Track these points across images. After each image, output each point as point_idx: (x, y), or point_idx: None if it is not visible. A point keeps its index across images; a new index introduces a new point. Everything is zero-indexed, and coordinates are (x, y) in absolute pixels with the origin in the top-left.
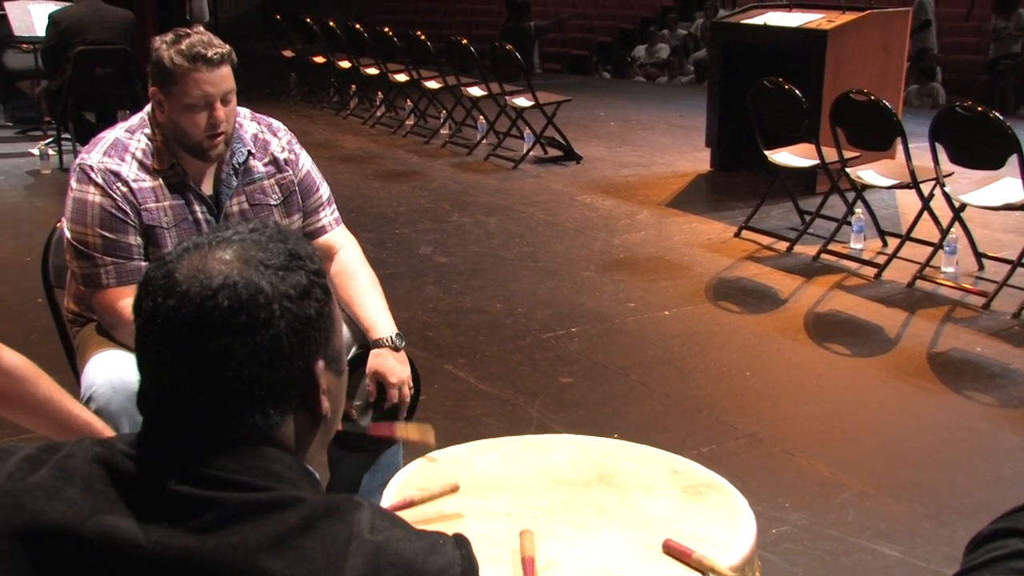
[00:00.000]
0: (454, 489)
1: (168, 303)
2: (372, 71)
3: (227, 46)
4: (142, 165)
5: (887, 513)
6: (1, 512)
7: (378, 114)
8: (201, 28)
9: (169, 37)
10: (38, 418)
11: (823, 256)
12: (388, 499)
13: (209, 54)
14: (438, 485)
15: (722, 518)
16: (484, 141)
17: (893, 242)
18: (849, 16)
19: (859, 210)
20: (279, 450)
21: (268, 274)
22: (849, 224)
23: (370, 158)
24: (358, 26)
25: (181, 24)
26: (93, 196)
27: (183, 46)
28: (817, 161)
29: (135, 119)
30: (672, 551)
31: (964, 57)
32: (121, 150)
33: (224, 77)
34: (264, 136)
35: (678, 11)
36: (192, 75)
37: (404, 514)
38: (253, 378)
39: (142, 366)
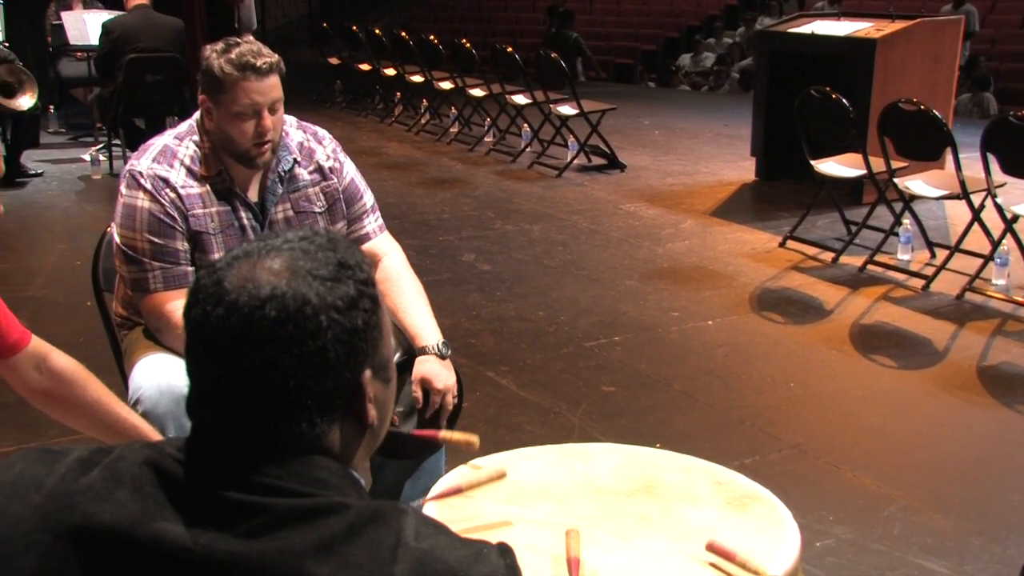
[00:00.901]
0: (501, 475)
1: (217, 312)
2: (417, 79)
3: (276, 56)
4: (190, 171)
5: (935, 528)
6: (54, 512)
7: (423, 121)
8: (251, 37)
9: (219, 46)
10: (86, 420)
11: (869, 267)
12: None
13: (258, 63)
14: (485, 474)
15: (766, 530)
16: (528, 149)
17: (942, 253)
18: (899, 25)
19: (907, 221)
20: (326, 457)
21: (316, 285)
22: (896, 235)
23: (414, 165)
24: (404, 34)
25: (230, 31)
26: (142, 202)
27: (233, 55)
28: (864, 171)
29: (184, 126)
30: (716, 551)
31: (1018, 66)
32: (170, 156)
33: (272, 86)
34: (309, 144)
35: (724, 20)
36: (241, 84)
37: (451, 502)
38: (300, 388)
39: (191, 372)
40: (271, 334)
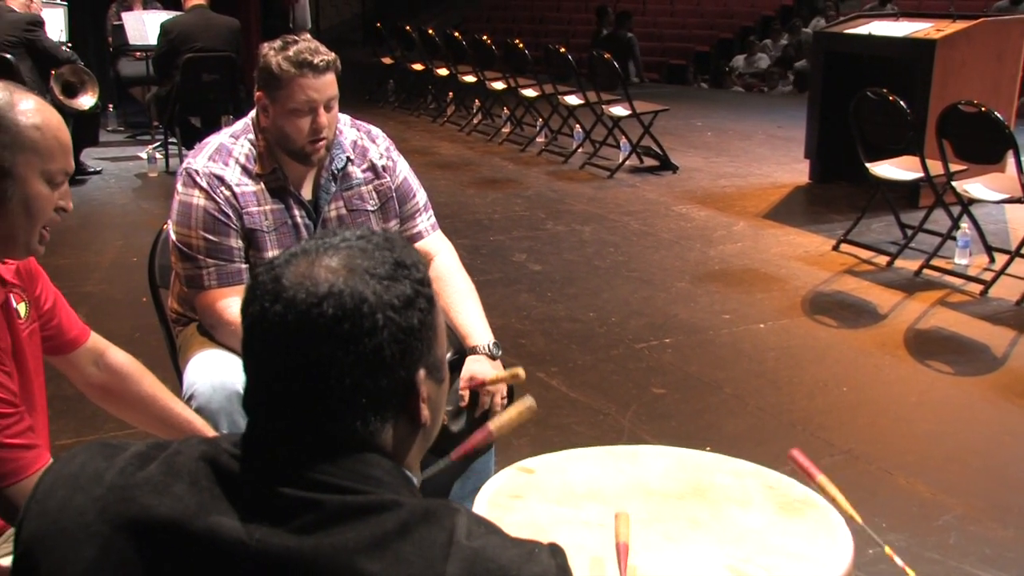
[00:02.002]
0: (515, 376)
1: (275, 308)
2: (470, 79)
3: (332, 54)
4: (245, 170)
5: (993, 538)
6: (113, 505)
7: (475, 121)
8: (308, 36)
9: (277, 43)
10: (141, 415)
11: (926, 271)
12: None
13: (315, 61)
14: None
15: (818, 535)
16: (580, 150)
17: (1001, 258)
18: (960, 25)
19: (965, 225)
20: (379, 455)
21: (373, 283)
22: (954, 239)
23: (466, 165)
24: (456, 34)
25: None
26: (197, 199)
27: (291, 52)
28: (921, 174)
29: (239, 124)
30: (797, 463)
31: None
32: (225, 155)
33: (328, 84)
34: (363, 143)
35: (779, 20)
36: (298, 81)
37: (501, 503)
38: (355, 386)
39: (248, 368)
40: (328, 332)
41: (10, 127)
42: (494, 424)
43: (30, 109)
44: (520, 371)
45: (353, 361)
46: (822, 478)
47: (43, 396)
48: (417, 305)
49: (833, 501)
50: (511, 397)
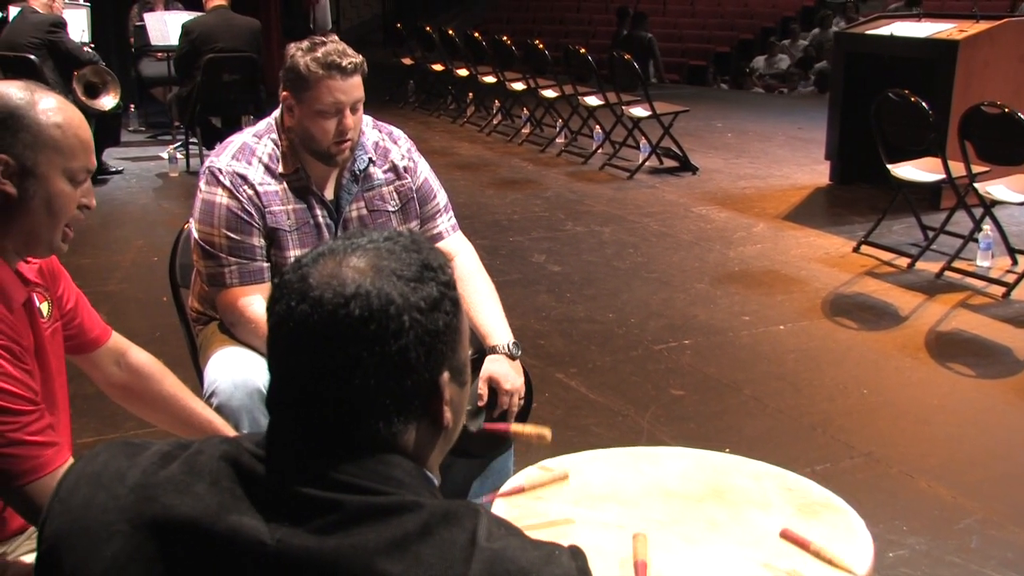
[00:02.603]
0: (564, 477)
1: (301, 308)
2: (490, 79)
3: (360, 56)
4: (268, 169)
5: (1015, 542)
6: (135, 504)
7: (495, 122)
8: (335, 38)
9: (305, 44)
10: (162, 414)
11: (947, 273)
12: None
13: (343, 63)
14: (548, 476)
15: (838, 538)
16: (600, 151)
17: None
18: (983, 25)
19: (987, 226)
20: (400, 457)
21: (400, 285)
22: (976, 241)
23: (485, 166)
24: (477, 35)
25: (305, 32)
26: (220, 198)
27: (319, 54)
28: (943, 175)
29: (262, 124)
30: (790, 539)
31: None
32: (248, 154)
33: (355, 86)
34: (385, 144)
35: (800, 21)
36: (326, 82)
37: (514, 501)
38: (379, 387)
39: (272, 367)
40: (354, 332)
41: (31, 126)
42: (515, 427)
43: (51, 108)
44: (547, 432)
45: (378, 362)
46: (815, 546)
47: (65, 395)
48: (443, 308)
49: (831, 562)
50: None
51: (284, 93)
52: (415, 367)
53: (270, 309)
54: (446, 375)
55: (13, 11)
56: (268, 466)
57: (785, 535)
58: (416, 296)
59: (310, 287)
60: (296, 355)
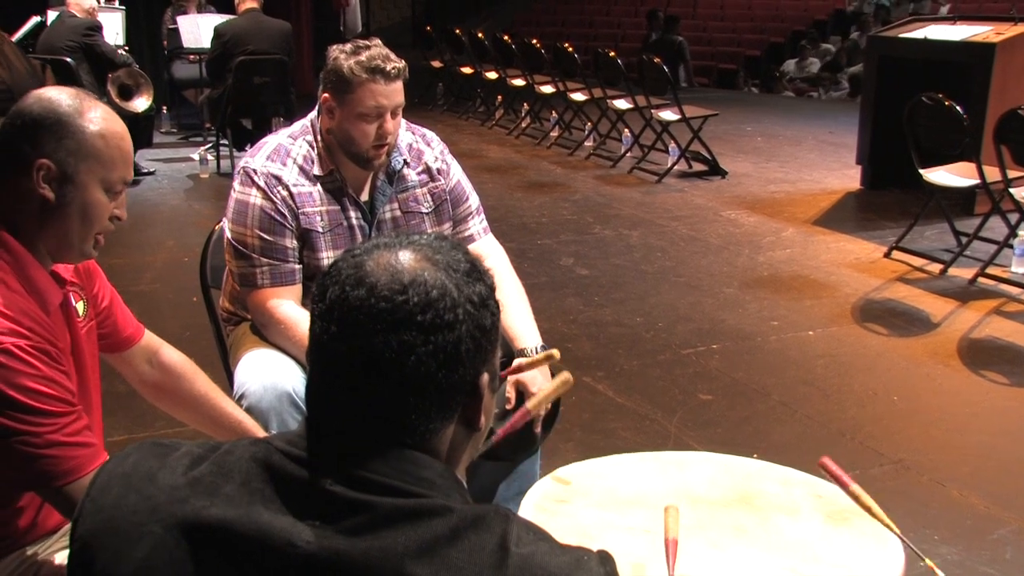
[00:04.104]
0: (549, 357)
1: (357, 292)
2: (519, 82)
3: (403, 62)
4: (302, 170)
5: None
6: (165, 505)
7: (523, 125)
8: (379, 42)
9: (348, 47)
10: (193, 413)
11: (980, 280)
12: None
13: (387, 68)
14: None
15: (868, 546)
16: (628, 154)
17: None
18: (1021, 28)
19: (1022, 232)
20: (432, 458)
21: (456, 278)
22: (1011, 247)
23: (514, 168)
24: (506, 38)
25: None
26: (254, 198)
27: (363, 57)
28: (977, 180)
29: (297, 126)
30: (828, 470)
31: None
32: (283, 155)
33: (397, 91)
34: (418, 146)
35: (831, 25)
36: (369, 86)
37: (546, 507)
38: (428, 377)
39: (316, 356)
40: (411, 319)
41: (76, 134)
42: (531, 403)
43: (97, 117)
44: (555, 352)
45: (431, 351)
46: (855, 487)
47: (98, 394)
48: (490, 307)
49: (868, 510)
50: (557, 402)
51: (324, 95)
52: (463, 361)
53: (319, 296)
54: (485, 377)
55: (52, 15)
56: (299, 464)
57: (824, 466)
58: (469, 290)
59: (367, 273)
60: (348, 340)
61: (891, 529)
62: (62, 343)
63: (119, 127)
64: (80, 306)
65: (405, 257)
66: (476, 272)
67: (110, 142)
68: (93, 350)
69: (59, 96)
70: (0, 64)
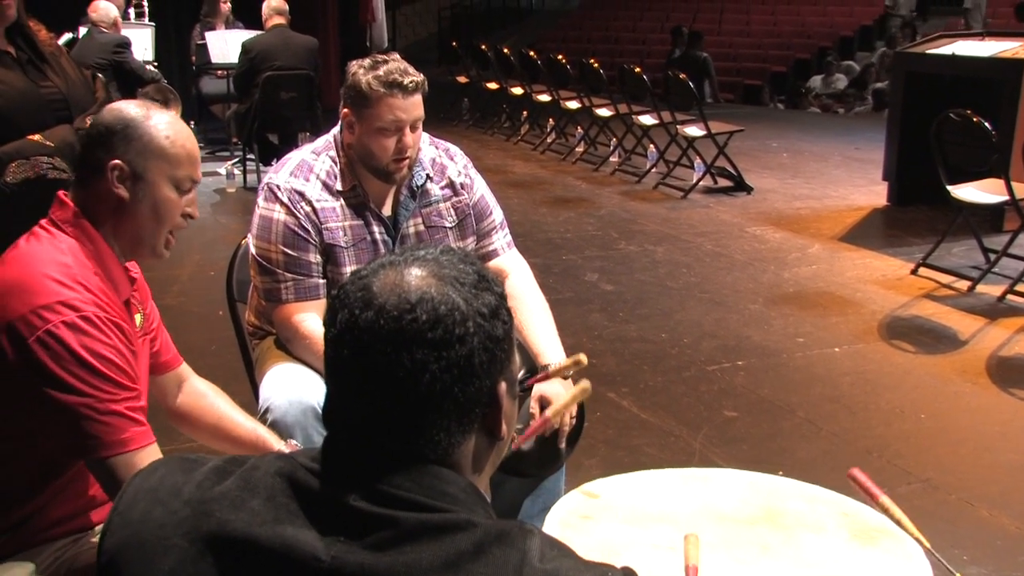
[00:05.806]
0: (577, 363)
1: (366, 315)
2: (544, 98)
3: (421, 75)
4: (325, 186)
5: None
6: (191, 519)
7: (548, 140)
8: (397, 56)
9: (367, 62)
10: (213, 435)
11: (1009, 297)
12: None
13: (405, 82)
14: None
15: (895, 566)
16: (654, 170)
17: None
18: None
19: None
20: (455, 472)
21: (464, 291)
22: None
23: (539, 184)
24: (532, 53)
25: (362, 50)
26: (278, 214)
27: (381, 72)
28: (1006, 197)
29: (320, 141)
30: (857, 482)
31: None
32: (306, 171)
33: (416, 105)
34: (442, 160)
35: (858, 41)
36: (387, 100)
37: (571, 523)
38: (444, 392)
39: (332, 379)
40: (421, 337)
41: (143, 135)
42: (550, 410)
43: (162, 122)
44: (582, 357)
45: (445, 367)
46: (885, 499)
47: (146, 399)
48: (501, 316)
49: (899, 523)
50: (582, 418)
51: (345, 110)
52: (478, 374)
53: (329, 321)
54: (503, 385)
55: (83, 31)
56: (323, 480)
57: (853, 477)
58: (478, 302)
59: (374, 295)
60: (361, 362)
61: (920, 543)
62: (129, 328)
63: (184, 130)
64: (138, 318)
65: (411, 275)
66: (484, 283)
67: (175, 142)
68: (144, 364)
69: (128, 105)
70: (57, 74)
